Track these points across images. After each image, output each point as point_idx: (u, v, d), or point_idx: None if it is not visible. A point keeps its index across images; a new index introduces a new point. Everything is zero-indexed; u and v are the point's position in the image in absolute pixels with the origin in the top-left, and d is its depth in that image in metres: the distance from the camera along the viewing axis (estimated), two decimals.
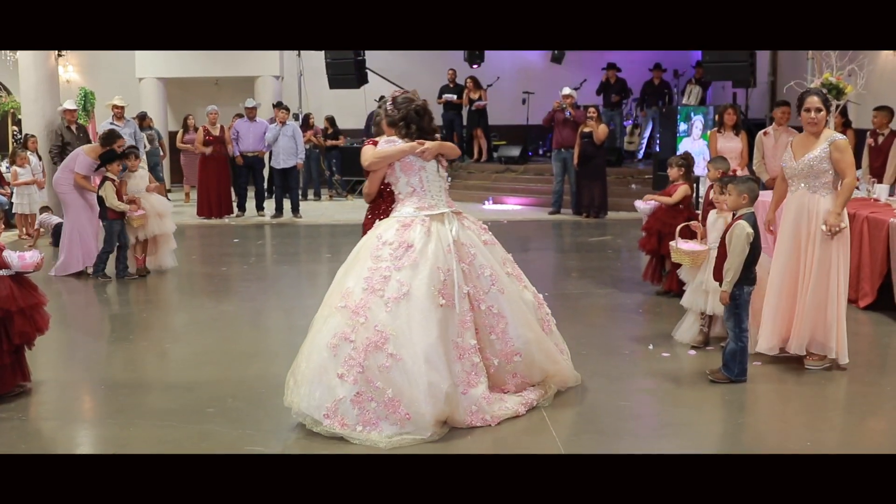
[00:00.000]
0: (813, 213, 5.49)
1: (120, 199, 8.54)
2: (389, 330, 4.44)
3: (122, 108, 12.90)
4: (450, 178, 5.03)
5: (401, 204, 4.86)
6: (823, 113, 5.50)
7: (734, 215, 5.33)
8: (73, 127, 12.06)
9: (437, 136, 4.98)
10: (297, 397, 4.54)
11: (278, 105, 14.37)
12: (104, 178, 8.59)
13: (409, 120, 4.86)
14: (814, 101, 5.51)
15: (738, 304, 5.24)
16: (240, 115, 13.93)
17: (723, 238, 5.32)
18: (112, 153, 8.69)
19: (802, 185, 5.55)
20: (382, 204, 5.26)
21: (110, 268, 8.78)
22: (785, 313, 5.62)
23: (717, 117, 9.83)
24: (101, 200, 8.56)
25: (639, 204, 7.82)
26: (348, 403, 4.41)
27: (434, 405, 4.37)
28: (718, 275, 5.29)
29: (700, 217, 6.71)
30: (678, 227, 6.24)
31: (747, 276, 5.23)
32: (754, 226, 5.20)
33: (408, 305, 4.48)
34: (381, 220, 5.05)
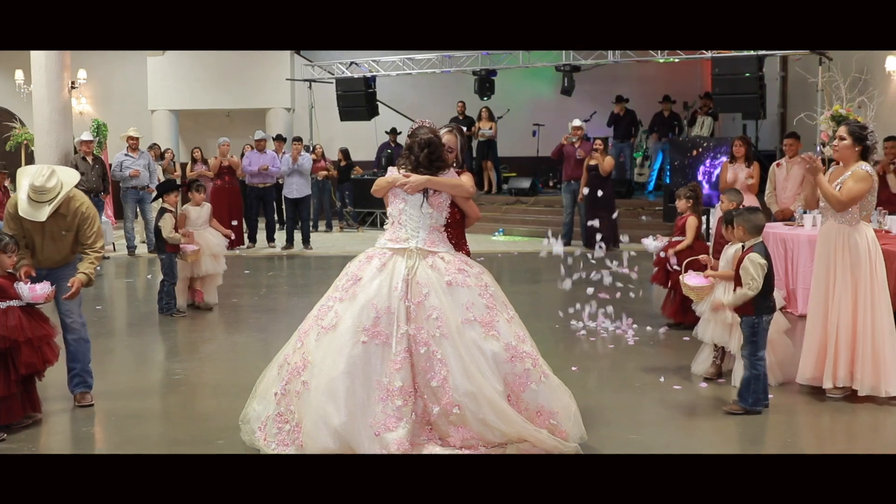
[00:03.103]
0: (843, 245, 5.44)
1: (177, 231, 8.42)
2: (310, 358, 4.52)
3: (137, 139, 12.99)
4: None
5: (383, 233, 4.84)
6: (847, 142, 5.44)
7: (744, 247, 5.33)
8: (89, 158, 12.16)
9: (445, 172, 4.78)
10: (249, 407, 4.83)
11: (278, 138, 14.42)
12: (162, 210, 8.53)
13: (410, 151, 4.81)
14: (840, 129, 5.50)
15: (755, 332, 5.22)
16: (250, 147, 14.02)
17: (737, 269, 5.31)
18: (171, 183, 8.76)
19: (830, 217, 5.53)
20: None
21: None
22: (821, 346, 5.55)
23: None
24: (157, 231, 8.50)
25: (646, 242, 7.73)
26: (272, 421, 4.64)
27: (319, 439, 4.32)
28: (737, 308, 5.27)
29: (711, 249, 6.68)
30: (685, 262, 6.19)
31: (765, 305, 5.21)
32: (766, 256, 5.19)
33: (331, 337, 4.50)
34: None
